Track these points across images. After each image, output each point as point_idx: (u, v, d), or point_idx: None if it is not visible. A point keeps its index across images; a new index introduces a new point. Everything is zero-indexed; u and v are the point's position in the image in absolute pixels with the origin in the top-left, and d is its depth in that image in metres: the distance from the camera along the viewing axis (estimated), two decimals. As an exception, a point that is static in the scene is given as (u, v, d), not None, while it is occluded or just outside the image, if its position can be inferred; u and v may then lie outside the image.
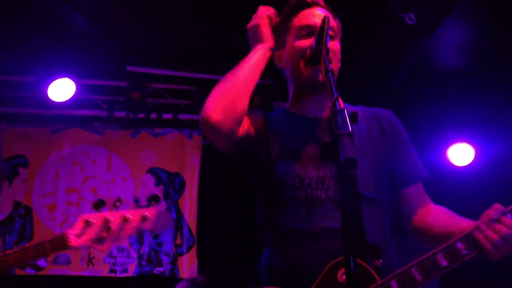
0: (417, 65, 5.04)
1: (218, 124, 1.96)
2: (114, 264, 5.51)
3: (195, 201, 5.73)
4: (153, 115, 5.73)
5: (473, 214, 1.94)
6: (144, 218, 2.25)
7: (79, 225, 2.22)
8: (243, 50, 5.50)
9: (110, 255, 5.51)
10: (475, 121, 5.58)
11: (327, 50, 1.89)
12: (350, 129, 1.53)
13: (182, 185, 5.79)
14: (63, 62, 5.24)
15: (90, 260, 5.47)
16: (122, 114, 5.65)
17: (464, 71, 5.16)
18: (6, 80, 5.34)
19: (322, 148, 2.00)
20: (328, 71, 1.78)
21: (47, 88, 5.23)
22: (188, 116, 5.78)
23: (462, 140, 5.68)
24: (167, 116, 5.76)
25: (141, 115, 5.65)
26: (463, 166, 5.67)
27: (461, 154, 5.67)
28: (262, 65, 2.09)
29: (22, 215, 5.47)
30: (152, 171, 5.79)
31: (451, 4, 4.14)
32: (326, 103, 2.14)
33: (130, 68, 5.43)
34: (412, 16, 4.25)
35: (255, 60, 2.09)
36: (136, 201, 2.29)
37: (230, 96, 1.99)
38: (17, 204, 5.48)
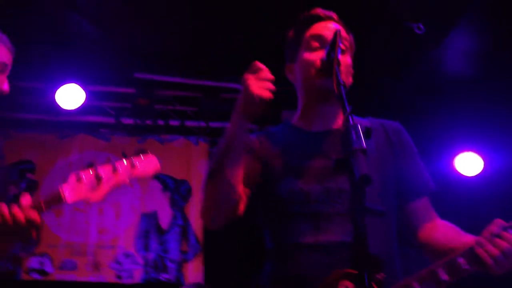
0: (426, 73, 5.04)
1: (219, 226, 2.06)
2: (120, 270, 5.52)
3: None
4: (160, 122, 5.75)
5: (481, 221, 1.95)
6: (132, 166, 2.35)
7: (71, 181, 2.31)
8: (253, 57, 5.50)
9: (116, 261, 5.51)
10: (483, 129, 5.56)
11: (338, 63, 1.91)
12: (364, 145, 1.54)
13: (189, 192, 5.80)
14: (72, 69, 5.26)
15: (96, 266, 5.47)
16: (129, 120, 5.67)
17: (472, 79, 5.15)
18: (14, 86, 5.34)
19: (336, 163, 2.00)
20: (340, 84, 1.79)
21: (55, 94, 5.26)
22: (195, 123, 5.79)
23: (470, 149, 5.66)
24: (174, 123, 5.78)
25: (148, 122, 5.67)
26: (471, 176, 5.64)
27: (469, 163, 5.65)
28: (242, 145, 1.97)
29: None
30: (159, 177, 5.80)
31: (460, 12, 4.14)
32: (334, 116, 2.15)
33: (137, 75, 5.45)
34: (421, 26, 4.26)
35: (236, 144, 1.95)
36: (124, 155, 2.40)
37: (221, 200, 1.98)
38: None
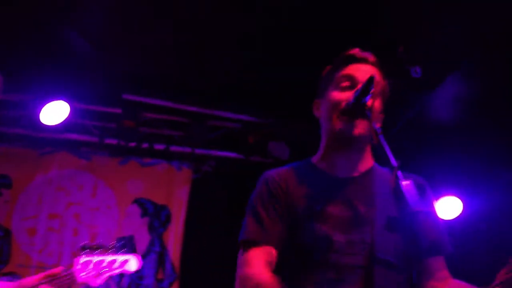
0: (414, 116, 5.09)
1: None
2: (92, 295, 5.31)
3: (180, 236, 5.59)
4: (144, 145, 5.61)
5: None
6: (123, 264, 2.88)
7: (84, 263, 2.75)
8: (243, 87, 5.48)
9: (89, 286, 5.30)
10: (463, 174, 5.63)
11: (370, 109, 1.87)
12: (424, 207, 1.52)
13: (168, 218, 5.65)
14: (58, 84, 5.12)
15: (67, 290, 5.26)
16: (112, 141, 5.52)
17: (458, 126, 5.23)
18: (-3, 98, 5.18)
19: (389, 221, 1.95)
20: (377, 132, 1.76)
21: (39, 109, 5.09)
22: (179, 148, 5.68)
23: (450, 194, 5.71)
24: (158, 146, 5.65)
25: (132, 144, 5.53)
26: (451, 219, 5.69)
27: (449, 207, 5.70)
28: None
29: (0, 238, 5.25)
30: (139, 201, 5.65)
31: (459, 61, 4.21)
32: (358, 161, 2.10)
33: (125, 96, 5.35)
34: (418, 69, 4.31)
35: None
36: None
37: None
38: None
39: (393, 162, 1.65)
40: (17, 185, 5.37)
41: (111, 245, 2.77)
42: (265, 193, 2.08)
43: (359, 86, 1.97)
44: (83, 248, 2.74)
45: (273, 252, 1.99)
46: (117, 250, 2.83)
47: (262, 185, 2.12)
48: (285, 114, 5.33)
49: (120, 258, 2.79)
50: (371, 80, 1.86)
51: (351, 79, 2.05)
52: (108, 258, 2.74)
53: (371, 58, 2.12)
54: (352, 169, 2.09)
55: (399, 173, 1.61)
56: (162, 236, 5.60)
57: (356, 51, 2.13)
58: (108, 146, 5.57)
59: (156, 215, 5.64)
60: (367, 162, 2.13)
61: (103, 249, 2.78)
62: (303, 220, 1.99)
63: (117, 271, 2.74)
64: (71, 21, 4.49)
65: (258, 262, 1.97)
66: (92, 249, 2.73)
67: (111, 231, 5.51)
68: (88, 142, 5.54)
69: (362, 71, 2.05)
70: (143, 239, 5.56)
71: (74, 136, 5.50)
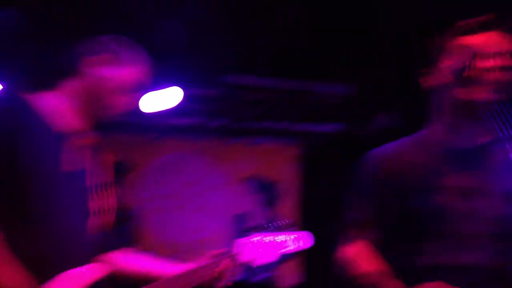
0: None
1: None
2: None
3: (294, 211, 5.70)
4: (250, 124, 5.74)
5: None
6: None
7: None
8: (342, 61, 5.35)
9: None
10: None
11: (483, 77, 1.81)
12: None
13: (280, 194, 5.78)
14: (163, 72, 5.32)
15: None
16: (219, 122, 5.70)
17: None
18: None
19: (508, 192, 1.89)
20: (493, 101, 1.70)
21: (149, 97, 5.32)
22: (284, 125, 5.74)
23: None
24: (263, 125, 5.75)
25: (238, 124, 5.68)
26: None
27: None
28: None
29: (125, 220, 5.62)
30: (250, 179, 5.81)
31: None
32: (474, 132, 1.97)
33: (227, 77, 5.46)
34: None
35: None
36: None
37: None
38: (120, 209, 5.62)
39: (508, 133, 1.60)
40: (137, 169, 5.72)
41: (280, 223, 2.74)
42: (370, 176, 2.06)
43: (478, 53, 1.88)
44: (250, 229, 2.70)
45: (374, 235, 2.03)
46: (287, 228, 2.77)
47: (367, 168, 2.09)
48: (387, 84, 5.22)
49: (291, 236, 2.76)
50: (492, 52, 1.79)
51: (471, 47, 1.87)
52: (278, 237, 2.76)
53: (503, 25, 1.91)
54: (469, 140, 2.01)
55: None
56: (275, 211, 5.75)
57: (479, 19, 1.91)
58: (215, 128, 5.75)
59: (267, 191, 5.78)
60: (486, 133, 2.04)
61: (271, 228, 2.74)
62: (416, 193, 1.96)
63: (289, 249, 2.75)
64: (171, 13, 4.64)
65: (358, 246, 2.03)
66: (259, 229, 2.72)
67: (227, 209, 5.73)
68: (196, 125, 5.75)
69: (490, 39, 1.87)
70: (257, 216, 5.72)
71: (182, 121, 5.73)
